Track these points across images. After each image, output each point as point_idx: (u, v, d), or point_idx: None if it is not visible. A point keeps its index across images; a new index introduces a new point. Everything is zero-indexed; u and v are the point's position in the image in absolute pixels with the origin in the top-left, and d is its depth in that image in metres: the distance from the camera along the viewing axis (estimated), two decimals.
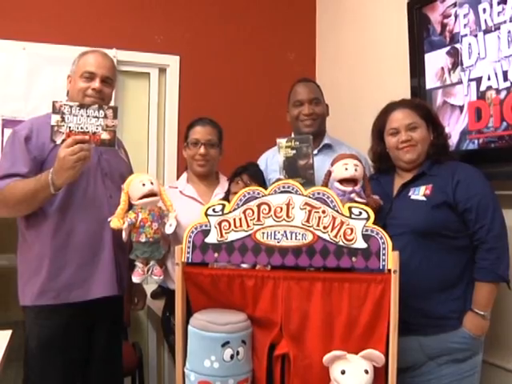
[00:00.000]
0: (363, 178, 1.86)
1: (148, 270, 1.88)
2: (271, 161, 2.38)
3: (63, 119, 1.83)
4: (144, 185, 1.84)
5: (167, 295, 2.31)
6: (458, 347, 1.86)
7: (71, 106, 1.84)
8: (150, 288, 2.66)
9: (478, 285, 1.86)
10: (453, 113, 2.33)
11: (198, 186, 2.30)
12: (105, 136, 1.86)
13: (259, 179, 1.96)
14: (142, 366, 2.94)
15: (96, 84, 2.06)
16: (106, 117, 1.86)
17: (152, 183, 1.85)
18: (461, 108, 2.30)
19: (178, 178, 2.81)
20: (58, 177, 1.83)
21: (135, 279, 1.88)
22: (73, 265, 2.01)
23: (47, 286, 1.98)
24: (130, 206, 1.88)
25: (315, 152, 2.32)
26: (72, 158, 1.79)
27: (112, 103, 1.91)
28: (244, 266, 1.73)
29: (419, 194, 1.92)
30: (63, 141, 1.82)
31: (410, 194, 1.94)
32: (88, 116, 1.85)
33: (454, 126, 2.31)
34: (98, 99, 2.02)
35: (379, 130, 2.06)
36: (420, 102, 2.17)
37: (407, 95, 2.48)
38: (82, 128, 1.84)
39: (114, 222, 1.82)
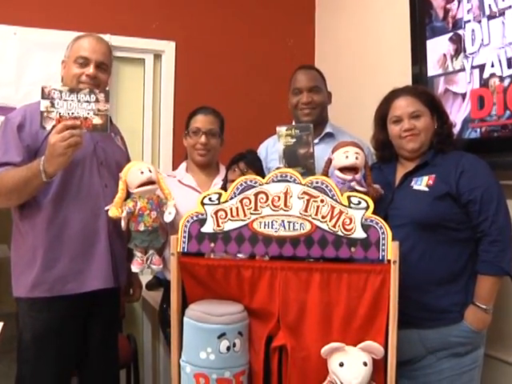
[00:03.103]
0: (364, 166, 1.86)
1: (147, 260, 1.89)
2: (271, 149, 2.38)
3: (53, 105, 1.82)
4: (142, 173, 1.85)
5: (165, 286, 2.31)
6: (459, 341, 1.86)
7: (61, 91, 1.83)
8: (145, 279, 2.67)
9: (481, 278, 1.86)
10: (455, 101, 2.33)
11: (197, 175, 2.30)
12: (97, 121, 1.85)
13: (256, 167, 1.96)
14: (137, 358, 2.95)
15: (90, 70, 2.05)
16: (97, 101, 1.85)
17: (150, 171, 1.87)
18: (463, 96, 2.30)
19: (173, 167, 2.82)
20: (49, 164, 1.83)
21: (134, 268, 1.89)
22: (67, 256, 2.00)
23: (41, 278, 1.98)
24: (128, 195, 1.88)
25: (316, 141, 2.32)
26: (62, 144, 1.78)
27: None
28: (240, 256, 1.74)
29: (422, 184, 1.92)
30: (53, 127, 1.82)
31: (412, 184, 1.94)
32: (79, 101, 1.84)
33: (456, 115, 2.31)
34: (93, 86, 2.00)
35: (382, 117, 2.06)
36: (424, 89, 2.16)
37: (408, 82, 2.47)
38: (72, 113, 1.83)
39: (113, 210, 1.83)
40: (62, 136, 1.78)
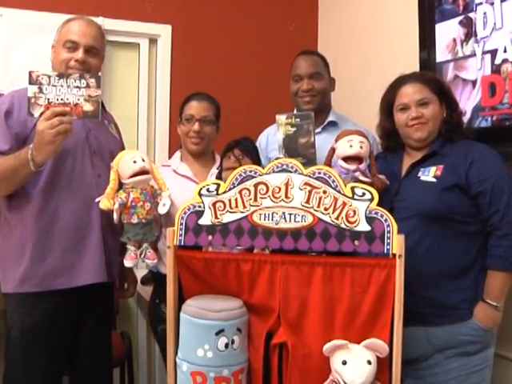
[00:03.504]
0: (369, 156, 1.87)
1: (141, 254, 1.89)
2: (272, 138, 2.38)
3: (41, 90, 1.82)
4: (135, 162, 1.85)
5: (157, 280, 2.31)
6: (468, 340, 1.86)
7: (50, 76, 1.83)
8: (139, 273, 2.68)
9: (491, 273, 1.86)
10: (465, 88, 2.33)
11: (192, 164, 2.30)
12: (87, 107, 1.85)
13: (252, 154, 1.96)
14: (131, 356, 2.96)
15: (79, 54, 2.04)
16: (88, 86, 1.85)
17: (143, 160, 1.86)
18: (473, 83, 2.30)
19: (169, 156, 2.82)
20: (38, 153, 1.83)
21: (127, 263, 1.89)
22: (58, 250, 2.01)
23: (30, 272, 1.99)
24: (120, 186, 1.88)
25: (319, 130, 2.32)
26: (51, 131, 1.78)
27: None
28: (237, 249, 1.74)
29: (429, 174, 1.92)
30: (42, 114, 1.81)
31: (419, 174, 1.94)
32: (68, 86, 1.84)
33: (466, 103, 2.31)
34: (83, 71, 1.99)
35: (388, 104, 2.05)
36: (433, 75, 2.15)
37: (416, 69, 2.47)
38: (62, 99, 1.83)
39: (104, 202, 1.83)
40: (50, 123, 1.78)
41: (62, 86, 1.83)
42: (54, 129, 1.78)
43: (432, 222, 1.87)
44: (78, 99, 1.85)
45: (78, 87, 1.84)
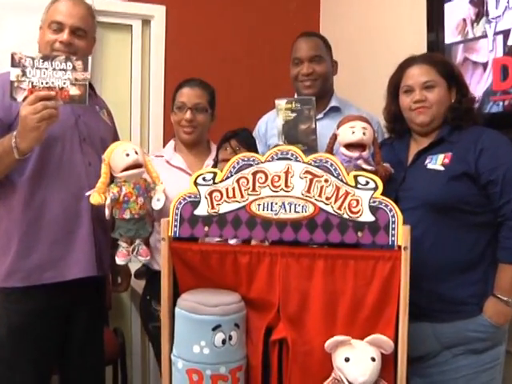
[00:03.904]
0: (373, 142, 1.86)
1: (133, 250, 1.89)
2: (272, 124, 2.39)
3: (24, 73, 1.81)
4: (128, 155, 1.84)
5: (149, 276, 2.32)
6: (477, 336, 1.87)
7: (33, 58, 1.82)
8: (133, 267, 2.68)
9: (502, 267, 1.86)
10: (475, 71, 2.33)
11: (186, 155, 2.30)
12: (74, 91, 1.84)
13: (250, 145, 1.96)
14: (125, 353, 2.98)
15: (64, 36, 2.03)
16: (74, 69, 1.84)
17: (137, 153, 1.86)
18: (484, 65, 2.30)
19: (164, 144, 2.81)
20: (22, 140, 1.82)
21: (119, 260, 1.89)
22: (45, 242, 2.01)
23: (16, 265, 1.99)
24: (112, 179, 1.88)
25: (321, 115, 2.33)
26: (35, 117, 1.77)
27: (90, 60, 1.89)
28: (232, 241, 1.75)
29: (437, 162, 1.91)
30: (26, 98, 1.80)
31: (426, 162, 1.94)
32: (54, 69, 1.82)
33: (476, 87, 2.32)
34: (68, 54, 1.97)
35: (395, 86, 2.05)
36: (442, 57, 2.15)
37: (423, 51, 2.46)
38: (46, 83, 1.82)
39: (95, 197, 1.83)
40: (34, 108, 1.77)
41: (46, 68, 1.82)
42: (37, 114, 1.77)
43: (439, 212, 1.88)
44: (64, 83, 1.83)
45: (63, 70, 1.83)
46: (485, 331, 1.87)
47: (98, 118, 2.23)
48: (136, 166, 1.85)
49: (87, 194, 1.86)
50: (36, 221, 2.00)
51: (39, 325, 2.02)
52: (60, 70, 1.83)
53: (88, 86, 1.87)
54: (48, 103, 1.79)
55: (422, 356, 1.93)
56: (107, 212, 1.83)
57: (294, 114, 1.99)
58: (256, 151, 1.97)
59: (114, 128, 2.33)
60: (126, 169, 1.84)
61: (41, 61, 1.82)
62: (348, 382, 1.53)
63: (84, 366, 2.19)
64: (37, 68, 1.82)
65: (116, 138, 2.25)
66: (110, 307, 2.97)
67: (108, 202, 1.82)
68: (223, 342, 1.61)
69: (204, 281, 1.73)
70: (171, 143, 2.37)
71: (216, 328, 1.60)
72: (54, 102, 1.81)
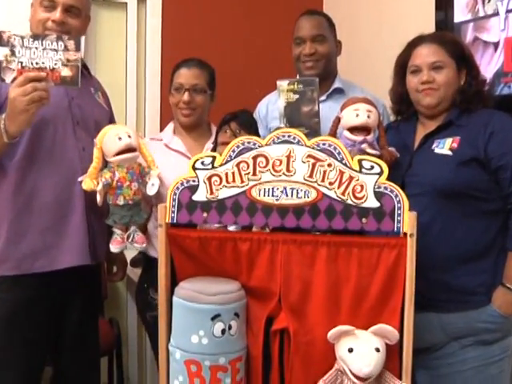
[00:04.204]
0: (377, 126, 1.87)
1: (128, 237, 1.90)
2: (273, 106, 2.37)
3: (13, 53, 1.80)
4: (120, 138, 1.85)
5: (146, 264, 2.33)
6: (486, 327, 1.87)
7: (23, 37, 1.80)
8: (129, 254, 2.69)
9: (511, 256, 1.87)
10: (485, 51, 2.33)
11: (185, 138, 2.29)
12: (66, 72, 1.83)
13: (250, 128, 1.96)
14: (121, 344, 3.00)
15: (56, 14, 2.01)
16: (66, 49, 1.82)
17: (130, 136, 1.86)
18: (495, 45, 2.29)
19: (161, 127, 2.82)
20: (11, 122, 1.81)
21: (113, 248, 1.91)
22: (36, 229, 2.01)
23: (6, 253, 1.99)
24: (105, 164, 1.88)
25: (324, 98, 2.32)
26: (24, 99, 1.76)
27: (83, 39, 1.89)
28: (232, 228, 1.75)
29: (444, 147, 1.91)
30: (15, 79, 1.79)
31: (433, 146, 1.94)
32: (44, 49, 1.81)
33: (487, 67, 2.31)
34: (61, 33, 1.94)
35: (402, 65, 2.04)
36: (453, 37, 2.12)
37: (431, 30, 2.46)
38: (36, 63, 1.81)
39: (87, 182, 1.83)
40: (23, 90, 1.76)
41: (36, 48, 1.81)
42: (27, 96, 1.76)
43: (447, 198, 1.88)
44: (55, 63, 1.82)
45: (55, 50, 1.82)
46: (493, 322, 1.87)
47: (93, 101, 2.22)
48: (129, 150, 1.85)
49: (79, 179, 1.87)
50: (26, 207, 2.00)
51: (30, 314, 2.03)
52: (51, 49, 1.82)
53: (80, 67, 1.86)
54: (38, 85, 1.78)
55: (428, 347, 1.94)
56: (99, 198, 1.83)
57: (297, 96, 1.99)
58: (257, 134, 1.97)
59: (109, 111, 2.33)
60: (119, 153, 1.84)
61: (31, 40, 1.81)
62: (351, 373, 1.54)
63: (78, 358, 2.20)
64: (26, 47, 1.80)
65: (112, 122, 2.24)
66: (105, 297, 2.98)
67: (100, 187, 1.82)
68: (223, 331, 1.62)
69: (203, 269, 1.74)
70: (170, 126, 2.36)
71: (215, 317, 1.61)
72: (44, 84, 1.80)
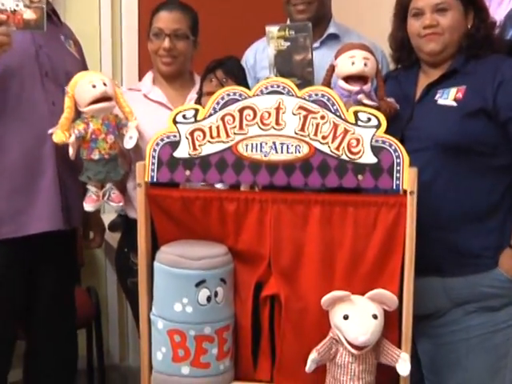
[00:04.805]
0: (375, 75, 1.86)
1: (104, 195, 1.90)
2: (261, 55, 2.36)
3: None
4: (95, 86, 1.84)
5: (126, 226, 2.33)
6: (492, 292, 1.89)
7: None
8: (107, 218, 2.70)
9: None
10: None
11: (166, 89, 2.28)
12: (29, 15, 1.81)
13: (238, 76, 1.95)
14: (100, 315, 3.02)
15: None
16: None
17: (105, 84, 1.85)
18: None
19: (139, 78, 2.79)
20: None
21: (87, 206, 1.91)
22: (3, 193, 2.01)
23: None
24: (78, 115, 1.87)
25: (317, 44, 2.30)
26: None
27: None
28: (219, 186, 1.76)
29: (448, 97, 1.90)
30: None
31: (436, 97, 1.93)
32: None
33: (497, 10, 2.29)
34: None
35: (403, 8, 2.01)
36: None
37: None
38: None
39: (58, 134, 1.82)
40: None
41: None
42: None
43: (451, 154, 1.87)
44: (17, 5, 1.80)
45: None
46: (500, 286, 1.88)
47: (64, 50, 2.20)
48: (105, 99, 1.84)
49: (50, 131, 1.86)
50: None
51: None
52: None
53: (46, 9, 1.84)
54: None
55: (429, 314, 1.95)
56: (71, 151, 1.83)
57: (288, 43, 1.97)
58: (246, 83, 1.96)
59: (82, 61, 2.31)
60: (93, 102, 1.83)
61: None
62: (347, 341, 1.56)
63: (53, 331, 2.23)
64: None
65: None
66: (82, 264, 2.99)
67: (72, 139, 1.82)
68: (208, 299, 1.63)
69: (186, 231, 1.75)
70: (149, 75, 2.34)
71: (200, 284, 1.63)
72: (5, 28, 1.79)
